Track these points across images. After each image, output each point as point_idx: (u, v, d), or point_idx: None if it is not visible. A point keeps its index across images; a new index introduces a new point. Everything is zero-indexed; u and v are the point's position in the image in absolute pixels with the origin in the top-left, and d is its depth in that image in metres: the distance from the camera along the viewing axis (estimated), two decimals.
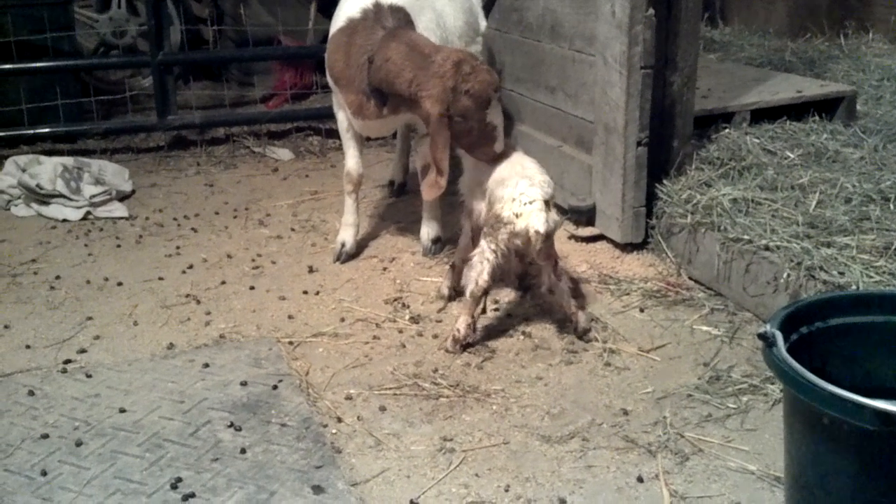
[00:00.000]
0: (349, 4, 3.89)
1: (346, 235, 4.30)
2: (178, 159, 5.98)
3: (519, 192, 3.24)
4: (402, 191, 5.16)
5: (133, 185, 5.36)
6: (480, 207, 3.45)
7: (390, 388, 3.15)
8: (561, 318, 3.55)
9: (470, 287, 3.35)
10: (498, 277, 3.47)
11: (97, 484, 2.64)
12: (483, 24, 4.61)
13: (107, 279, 4.08)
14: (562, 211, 3.59)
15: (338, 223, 4.53)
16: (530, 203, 3.21)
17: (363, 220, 4.69)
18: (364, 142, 4.29)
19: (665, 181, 4.10)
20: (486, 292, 3.38)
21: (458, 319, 3.40)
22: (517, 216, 3.21)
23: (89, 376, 3.25)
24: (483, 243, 3.33)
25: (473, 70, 3.39)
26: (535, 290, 3.81)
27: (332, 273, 4.13)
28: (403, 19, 3.81)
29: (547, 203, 3.25)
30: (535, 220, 3.19)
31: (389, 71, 3.56)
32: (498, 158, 3.44)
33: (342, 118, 4.17)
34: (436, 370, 3.25)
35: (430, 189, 3.50)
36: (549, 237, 3.27)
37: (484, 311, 3.62)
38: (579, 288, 3.82)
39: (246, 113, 6.71)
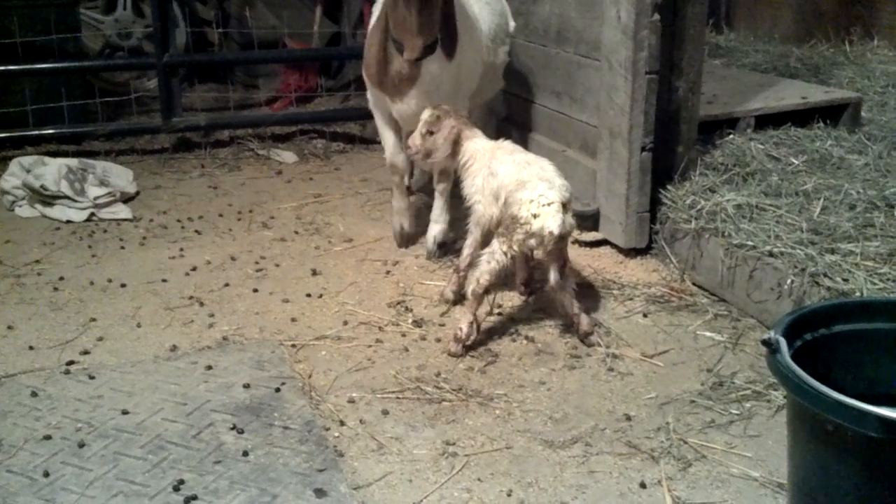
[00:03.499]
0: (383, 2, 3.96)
1: (403, 219, 4.42)
2: (183, 161, 5.99)
3: (538, 193, 3.27)
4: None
5: (137, 186, 5.36)
6: (492, 212, 3.46)
7: (393, 392, 3.14)
8: (564, 322, 3.55)
9: (471, 286, 3.37)
10: (501, 279, 3.47)
11: (99, 485, 2.64)
12: (512, 24, 4.71)
13: (110, 281, 4.08)
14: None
15: (342, 226, 4.56)
16: (548, 205, 3.24)
17: (365, 223, 4.71)
18: (400, 133, 4.33)
19: (669, 186, 4.10)
20: (487, 291, 3.39)
21: (461, 319, 3.41)
22: (535, 217, 3.24)
23: (92, 378, 3.25)
24: (495, 243, 3.34)
25: None
26: (539, 292, 3.81)
27: (335, 276, 4.13)
28: None
29: (564, 206, 3.28)
30: (551, 221, 3.22)
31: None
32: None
33: (379, 116, 4.32)
34: (438, 374, 3.25)
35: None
36: (563, 239, 3.31)
37: (490, 311, 3.62)
38: (590, 290, 3.82)
39: (250, 115, 6.71)
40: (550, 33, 4.79)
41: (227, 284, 4.04)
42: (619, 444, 2.83)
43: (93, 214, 4.90)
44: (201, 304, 3.84)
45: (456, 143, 3.59)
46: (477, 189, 3.54)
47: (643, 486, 2.62)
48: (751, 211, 3.76)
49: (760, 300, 3.49)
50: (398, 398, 3.11)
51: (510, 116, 5.44)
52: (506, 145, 3.58)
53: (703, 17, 4.07)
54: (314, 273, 4.15)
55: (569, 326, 3.51)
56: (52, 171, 4.99)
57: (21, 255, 4.39)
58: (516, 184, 3.35)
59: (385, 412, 3.01)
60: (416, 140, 3.67)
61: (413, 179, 5.14)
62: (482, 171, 3.51)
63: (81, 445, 2.83)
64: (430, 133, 3.61)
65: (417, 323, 3.64)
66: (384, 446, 2.83)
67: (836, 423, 1.94)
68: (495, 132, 5.35)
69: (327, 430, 2.92)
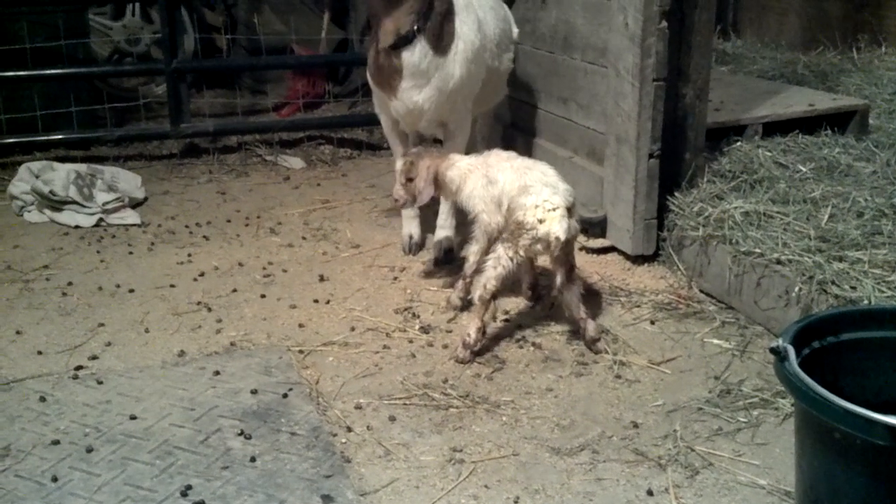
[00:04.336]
0: None
1: (412, 227, 4.45)
2: (191, 167, 6.01)
3: (543, 198, 3.29)
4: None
5: (145, 192, 5.38)
6: (497, 220, 3.47)
7: (400, 398, 3.15)
8: (571, 329, 3.55)
9: (478, 292, 3.38)
10: (508, 285, 3.47)
11: (107, 490, 2.65)
12: (515, 31, 4.73)
13: (119, 286, 4.09)
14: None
15: (349, 231, 4.56)
16: (553, 210, 3.27)
17: (372, 229, 4.71)
18: (407, 139, 4.40)
19: (677, 193, 4.10)
20: (494, 297, 3.40)
21: (469, 325, 3.41)
22: (540, 222, 3.27)
23: (100, 383, 3.26)
24: (500, 249, 3.35)
25: None
26: (546, 299, 3.81)
27: (342, 282, 4.14)
28: None
29: (569, 210, 3.30)
30: (557, 226, 3.24)
31: None
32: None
33: (385, 119, 4.37)
34: (446, 380, 3.25)
35: None
36: (568, 244, 3.33)
37: (494, 318, 3.62)
38: (598, 297, 3.82)
39: (258, 121, 6.73)
40: (557, 40, 4.79)
41: (234, 290, 4.05)
42: (627, 451, 2.83)
43: (101, 220, 4.92)
44: (209, 310, 3.85)
45: (437, 179, 3.62)
46: (480, 199, 3.54)
47: (650, 493, 2.62)
48: (758, 218, 3.76)
49: (768, 308, 3.49)
50: (405, 404, 3.11)
51: (516, 123, 5.45)
52: (498, 153, 3.60)
53: (710, 24, 4.07)
54: (321, 279, 4.16)
55: (576, 333, 3.51)
56: (60, 176, 5.01)
57: (30, 260, 4.41)
58: (519, 189, 3.37)
59: (392, 418, 3.02)
60: (399, 192, 3.72)
61: None
62: (479, 182, 3.53)
63: (89, 450, 2.84)
64: (410, 180, 3.67)
65: (424, 329, 3.65)
66: (391, 452, 2.83)
67: (844, 432, 1.94)
68: (501, 139, 5.38)
69: (334, 435, 2.93)
